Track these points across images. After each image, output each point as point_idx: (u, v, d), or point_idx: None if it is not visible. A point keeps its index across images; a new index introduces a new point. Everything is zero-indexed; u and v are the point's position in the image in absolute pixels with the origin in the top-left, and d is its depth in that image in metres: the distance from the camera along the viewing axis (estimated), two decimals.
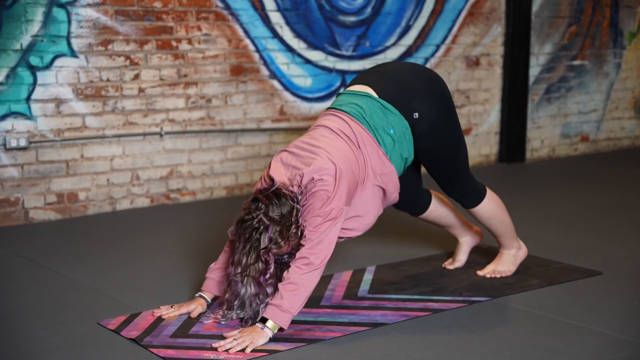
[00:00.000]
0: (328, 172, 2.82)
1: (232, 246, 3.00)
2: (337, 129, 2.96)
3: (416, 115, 3.02)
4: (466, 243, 3.62)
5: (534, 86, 6.42)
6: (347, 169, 2.86)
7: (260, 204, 2.81)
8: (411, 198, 3.40)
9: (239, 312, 2.86)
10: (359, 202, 2.95)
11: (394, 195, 3.07)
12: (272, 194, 2.81)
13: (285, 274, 2.80)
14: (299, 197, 2.84)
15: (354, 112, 2.99)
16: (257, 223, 2.79)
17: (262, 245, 2.79)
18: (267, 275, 2.80)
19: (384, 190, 3.02)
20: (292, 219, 2.81)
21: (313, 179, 2.82)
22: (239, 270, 2.81)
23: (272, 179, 2.89)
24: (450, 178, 3.25)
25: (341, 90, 3.19)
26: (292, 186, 2.84)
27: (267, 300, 2.81)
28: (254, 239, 2.79)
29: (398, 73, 3.12)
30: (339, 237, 2.94)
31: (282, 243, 2.80)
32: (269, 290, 2.82)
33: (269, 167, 2.95)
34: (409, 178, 3.30)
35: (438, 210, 3.49)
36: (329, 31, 5.37)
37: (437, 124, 3.08)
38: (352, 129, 2.96)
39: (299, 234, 2.83)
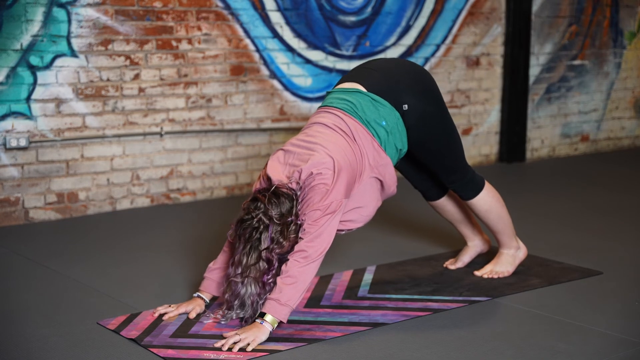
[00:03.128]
0: (326, 166, 2.83)
1: (231, 247, 3.00)
2: (331, 124, 2.97)
3: (405, 107, 3.05)
4: (473, 248, 3.63)
5: (534, 86, 6.42)
6: (345, 162, 2.87)
7: (259, 204, 2.81)
8: (426, 184, 3.44)
9: (238, 312, 2.86)
10: (357, 194, 2.96)
11: (392, 187, 3.07)
12: (271, 193, 2.81)
13: (283, 267, 2.80)
14: (298, 194, 2.84)
15: (346, 108, 3.01)
16: (257, 222, 2.79)
17: (264, 246, 2.79)
18: (270, 275, 2.81)
19: (381, 182, 3.03)
20: (292, 217, 2.81)
21: (312, 173, 2.83)
22: (239, 270, 2.81)
23: (269, 178, 2.89)
24: (445, 168, 3.27)
25: (330, 90, 3.20)
26: (291, 183, 2.85)
27: (266, 295, 2.81)
28: (254, 239, 2.79)
29: (384, 68, 3.15)
30: (340, 230, 2.95)
31: (284, 243, 2.81)
32: (269, 288, 2.82)
33: (266, 166, 2.95)
34: (424, 168, 3.37)
35: (451, 203, 3.51)
36: (329, 31, 5.37)
37: (426, 115, 3.10)
38: (347, 123, 2.97)
39: (299, 230, 2.83)
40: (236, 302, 2.85)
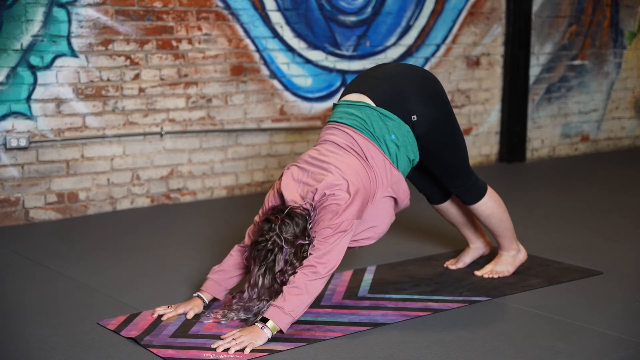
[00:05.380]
0: (340, 187, 2.84)
1: (238, 251, 3.02)
2: (344, 144, 2.97)
3: (414, 117, 3.04)
4: (475, 250, 3.63)
5: (534, 86, 6.42)
6: (360, 184, 2.88)
7: (273, 225, 2.82)
8: (431, 188, 3.44)
9: (241, 315, 2.87)
10: (371, 214, 2.97)
11: (405, 201, 3.08)
12: (285, 215, 2.83)
13: (291, 277, 2.80)
14: (312, 214, 2.86)
15: (356, 125, 3.00)
16: (272, 244, 2.81)
17: (278, 268, 2.81)
18: None
19: (395, 199, 3.03)
20: (306, 239, 2.83)
21: (325, 194, 2.84)
22: (255, 294, 2.84)
23: (282, 195, 2.90)
24: (450, 173, 3.27)
25: (337, 101, 3.18)
26: (305, 203, 2.86)
27: (270, 302, 2.82)
28: (270, 261, 2.81)
29: (391, 77, 3.12)
30: (353, 247, 2.97)
31: (297, 264, 2.82)
32: None
33: (280, 180, 2.96)
34: (428, 173, 3.36)
35: (454, 207, 3.51)
36: (329, 31, 5.37)
37: (435, 123, 3.09)
38: (358, 142, 2.97)
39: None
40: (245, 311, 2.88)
